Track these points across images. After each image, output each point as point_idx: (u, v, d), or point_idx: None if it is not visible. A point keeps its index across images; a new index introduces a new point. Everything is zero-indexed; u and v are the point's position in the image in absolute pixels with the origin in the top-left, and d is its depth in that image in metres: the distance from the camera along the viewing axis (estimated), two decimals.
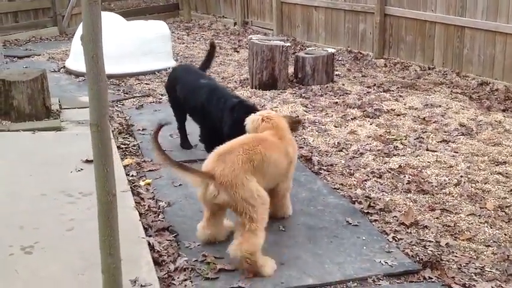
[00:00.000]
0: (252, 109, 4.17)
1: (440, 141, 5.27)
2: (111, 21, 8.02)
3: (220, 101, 4.43)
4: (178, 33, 11.46)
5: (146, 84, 7.50)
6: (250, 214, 3.14)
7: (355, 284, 3.14)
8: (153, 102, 6.63)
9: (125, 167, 4.57)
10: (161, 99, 6.74)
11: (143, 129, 5.55)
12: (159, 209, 3.93)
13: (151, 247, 3.37)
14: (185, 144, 5.14)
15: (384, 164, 4.80)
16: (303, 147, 5.15)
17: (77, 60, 7.75)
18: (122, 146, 5.09)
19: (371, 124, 5.81)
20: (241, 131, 3.87)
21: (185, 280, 3.11)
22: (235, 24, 11.97)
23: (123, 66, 7.72)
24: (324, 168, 4.73)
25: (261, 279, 3.13)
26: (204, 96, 4.55)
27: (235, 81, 7.64)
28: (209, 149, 4.18)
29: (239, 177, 3.15)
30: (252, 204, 3.14)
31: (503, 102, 6.44)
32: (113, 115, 6.00)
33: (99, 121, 1.81)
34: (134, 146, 5.14)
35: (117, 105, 6.42)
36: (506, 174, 4.53)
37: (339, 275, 3.19)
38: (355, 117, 6.02)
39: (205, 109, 4.54)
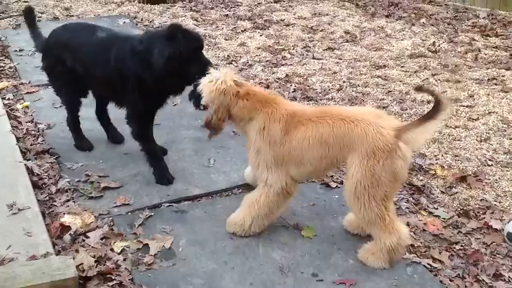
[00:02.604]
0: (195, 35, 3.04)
1: (326, 49, 5.39)
2: None
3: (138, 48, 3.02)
4: None
5: (25, 2, 6.90)
6: None
7: (240, 190, 3.24)
8: None
9: (0, 90, 4.28)
10: (41, 17, 6.26)
11: (20, 50, 5.17)
12: (38, 131, 3.75)
13: (30, 171, 3.24)
14: (83, 142, 3.60)
15: (272, 74, 4.86)
16: None
17: None
18: None
19: (261, 35, 5.80)
20: (176, 67, 2.89)
21: (68, 201, 3.05)
22: None
23: None
24: None
25: (147, 193, 3.14)
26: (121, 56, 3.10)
27: None
28: (143, 136, 3.22)
29: None
30: None
31: (387, 8, 6.65)
32: None
33: None
34: (10, 68, 4.79)
35: None
36: (385, 77, 4.76)
37: (225, 183, 3.27)
38: (245, 29, 5.97)
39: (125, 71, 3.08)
